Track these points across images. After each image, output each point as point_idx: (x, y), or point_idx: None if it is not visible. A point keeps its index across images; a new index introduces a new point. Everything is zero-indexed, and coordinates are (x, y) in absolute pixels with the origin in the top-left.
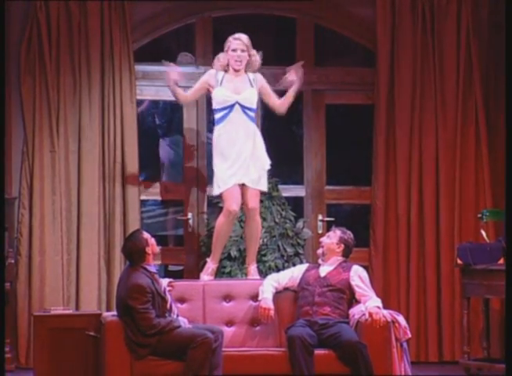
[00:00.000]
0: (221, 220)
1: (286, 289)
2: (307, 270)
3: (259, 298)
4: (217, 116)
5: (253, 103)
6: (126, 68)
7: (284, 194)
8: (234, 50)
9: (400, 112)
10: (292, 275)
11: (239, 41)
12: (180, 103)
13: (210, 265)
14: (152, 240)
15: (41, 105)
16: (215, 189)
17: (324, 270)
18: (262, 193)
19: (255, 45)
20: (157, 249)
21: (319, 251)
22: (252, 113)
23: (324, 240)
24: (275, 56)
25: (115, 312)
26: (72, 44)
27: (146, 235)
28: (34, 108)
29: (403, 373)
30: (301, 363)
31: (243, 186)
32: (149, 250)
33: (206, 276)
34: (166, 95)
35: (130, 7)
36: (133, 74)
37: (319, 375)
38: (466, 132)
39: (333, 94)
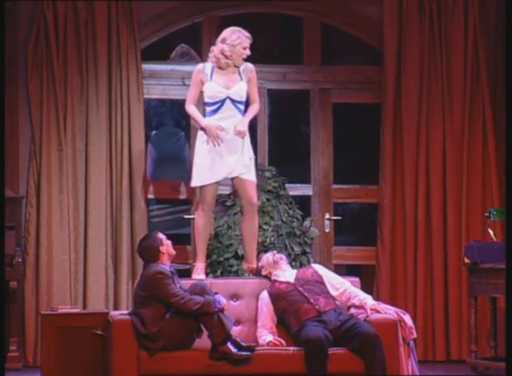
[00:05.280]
0: (200, 218)
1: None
2: (270, 292)
3: (262, 342)
4: (208, 109)
5: (243, 96)
6: (133, 67)
7: (291, 193)
8: (245, 48)
9: (407, 111)
10: (265, 311)
11: (249, 41)
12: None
13: (199, 265)
14: (167, 241)
15: (48, 103)
16: (194, 181)
17: (288, 276)
18: (268, 191)
19: (262, 43)
20: (173, 251)
21: (264, 273)
22: (242, 106)
23: (264, 265)
24: (281, 54)
25: (123, 311)
26: (79, 43)
27: (161, 235)
28: (41, 107)
29: (410, 371)
30: (316, 370)
31: (237, 180)
32: (163, 249)
33: (197, 275)
34: (173, 94)
35: (137, 6)
36: (140, 72)
37: (333, 374)
38: (474, 131)
39: (339, 93)
